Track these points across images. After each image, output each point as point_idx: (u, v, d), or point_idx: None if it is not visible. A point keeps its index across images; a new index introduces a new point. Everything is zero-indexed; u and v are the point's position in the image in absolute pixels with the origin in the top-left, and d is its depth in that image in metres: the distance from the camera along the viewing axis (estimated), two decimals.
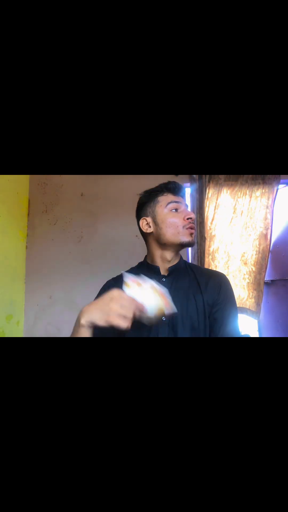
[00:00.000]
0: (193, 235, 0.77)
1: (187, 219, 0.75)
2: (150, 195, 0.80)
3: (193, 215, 0.76)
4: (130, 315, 0.53)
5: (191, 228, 0.76)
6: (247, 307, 1.75)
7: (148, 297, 0.59)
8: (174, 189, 0.78)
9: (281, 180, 1.75)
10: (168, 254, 0.78)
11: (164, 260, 0.78)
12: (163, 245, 0.77)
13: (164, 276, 0.77)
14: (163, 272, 0.78)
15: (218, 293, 0.74)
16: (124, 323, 0.52)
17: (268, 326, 1.73)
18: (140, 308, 0.56)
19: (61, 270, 1.77)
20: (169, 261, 0.78)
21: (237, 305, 1.74)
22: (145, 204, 0.81)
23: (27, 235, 1.83)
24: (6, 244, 1.63)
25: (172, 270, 0.78)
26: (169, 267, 0.78)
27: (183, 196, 0.80)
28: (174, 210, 0.76)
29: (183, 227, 0.75)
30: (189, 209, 0.86)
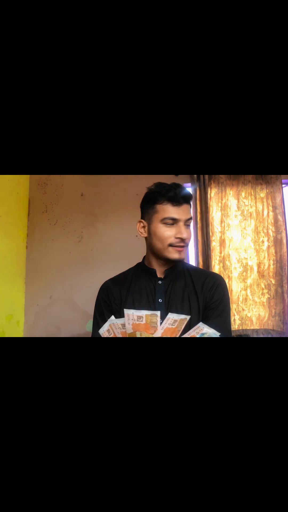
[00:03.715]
0: (184, 253, 0.74)
1: (177, 238, 0.71)
2: (151, 198, 0.76)
3: (184, 236, 0.71)
4: None
5: (181, 246, 0.72)
6: (271, 327, 1.53)
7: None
8: (174, 198, 0.71)
9: (282, 180, 1.74)
10: (162, 261, 0.77)
11: (160, 263, 0.78)
12: (154, 253, 0.77)
13: (160, 279, 0.78)
14: (159, 274, 0.78)
15: (213, 294, 0.75)
16: None
17: None
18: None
19: (61, 270, 1.77)
20: (166, 264, 0.78)
21: (258, 327, 1.55)
22: (145, 205, 0.79)
23: (27, 235, 1.83)
24: (6, 244, 1.62)
25: (169, 273, 0.78)
26: (165, 270, 0.78)
27: (187, 202, 0.74)
28: (169, 224, 0.72)
29: (171, 244, 0.72)
30: (191, 210, 0.80)
